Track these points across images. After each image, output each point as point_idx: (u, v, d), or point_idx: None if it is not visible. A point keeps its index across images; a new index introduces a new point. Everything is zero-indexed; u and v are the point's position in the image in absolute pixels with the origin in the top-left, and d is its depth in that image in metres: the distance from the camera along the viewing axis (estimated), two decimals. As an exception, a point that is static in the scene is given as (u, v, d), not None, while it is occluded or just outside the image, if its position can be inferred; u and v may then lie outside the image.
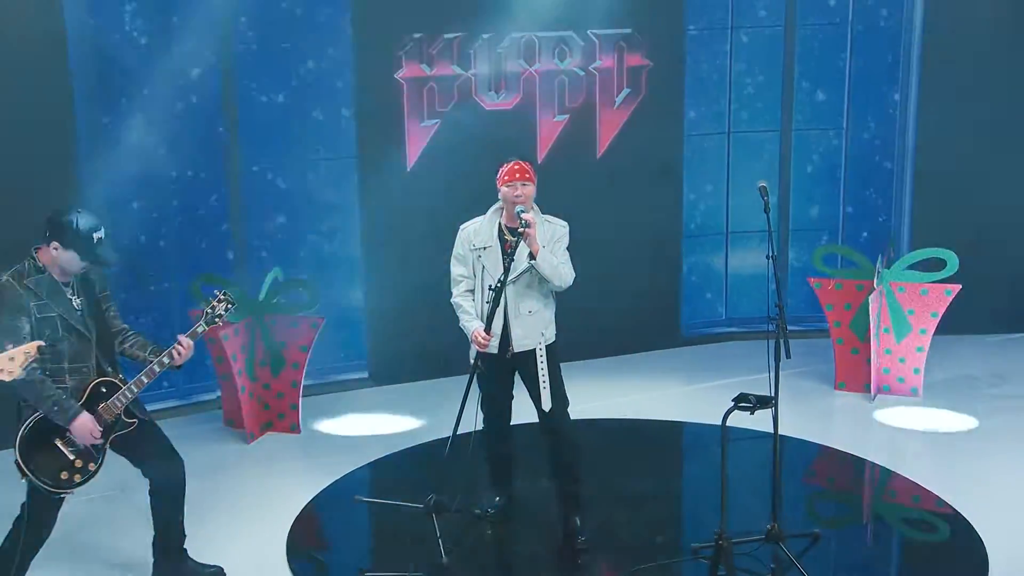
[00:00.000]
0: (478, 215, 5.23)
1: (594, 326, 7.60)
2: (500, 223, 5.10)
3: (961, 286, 6.87)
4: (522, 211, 4.90)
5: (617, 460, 6.22)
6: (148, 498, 4.77)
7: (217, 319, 4.68)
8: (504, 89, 7.79)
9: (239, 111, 7.31)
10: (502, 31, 7.69)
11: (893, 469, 6.10)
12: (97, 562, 5.18)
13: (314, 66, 7.50)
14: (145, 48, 6.96)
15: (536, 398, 5.08)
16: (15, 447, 4.41)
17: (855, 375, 7.24)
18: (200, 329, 4.63)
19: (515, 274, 4.93)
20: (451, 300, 5.14)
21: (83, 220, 4.41)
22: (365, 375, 7.83)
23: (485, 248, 5.05)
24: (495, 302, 4.87)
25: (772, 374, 4.79)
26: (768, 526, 4.91)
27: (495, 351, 4.98)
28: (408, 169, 7.66)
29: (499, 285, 4.86)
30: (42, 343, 3.80)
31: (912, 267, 7.08)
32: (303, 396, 6.89)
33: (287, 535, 5.43)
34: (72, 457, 4.47)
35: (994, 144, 8.19)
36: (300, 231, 7.62)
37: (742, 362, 8.03)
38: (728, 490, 5.77)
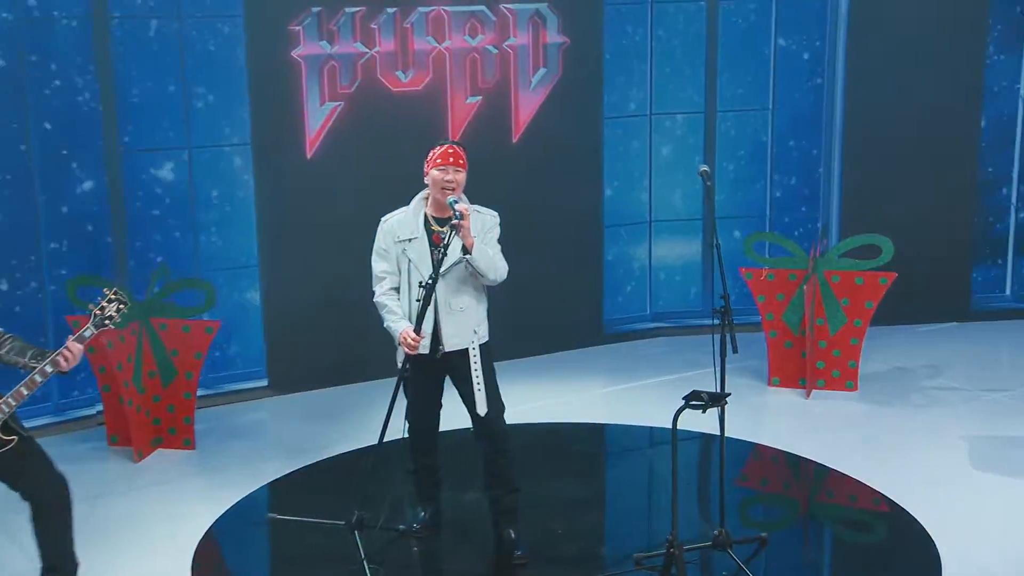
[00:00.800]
0: (385, 205, 5.22)
1: (509, 324, 7.61)
2: (426, 213, 5.11)
3: (897, 274, 7.15)
4: (455, 202, 4.92)
5: (544, 467, 6.29)
6: (30, 525, 4.63)
7: (107, 321, 4.58)
8: (412, 68, 7.78)
9: (116, 88, 7.15)
10: (408, 5, 7.70)
11: (832, 467, 6.30)
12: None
13: (202, 43, 7.37)
14: (12, 22, 6.75)
15: (470, 402, 5.10)
16: None
17: (789, 370, 7.47)
18: (88, 333, 4.52)
19: (446, 267, 4.95)
20: (374, 299, 5.12)
21: None
22: (264, 383, 7.75)
23: (411, 240, 5.05)
24: (426, 300, 4.87)
25: (718, 370, 4.89)
26: (715, 532, 5.04)
27: (425, 351, 4.99)
28: (308, 156, 7.60)
29: (430, 281, 4.86)
30: None
31: (845, 255, 7.33)
32: (196, 408, 6.78)
33: (191, 562, 5.34)
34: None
35: (924, 126, 8.55)
36: (189, 224, 7.49)
37: (669, 359, 8.24)
38: (665, 494, 5.96)
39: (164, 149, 7.36)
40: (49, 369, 4.40)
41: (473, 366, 5.07)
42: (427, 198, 5.14)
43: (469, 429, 5.23)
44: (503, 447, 5.17)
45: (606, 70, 8.45)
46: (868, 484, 6.04)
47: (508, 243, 5.17)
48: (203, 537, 5.58)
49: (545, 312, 8.22)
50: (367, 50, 7.66)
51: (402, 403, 5.14)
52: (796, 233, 8.69)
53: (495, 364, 5.19)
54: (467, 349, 5.07)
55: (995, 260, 9.08)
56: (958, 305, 8.86)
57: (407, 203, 5.19)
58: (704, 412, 4.53)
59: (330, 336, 7.68)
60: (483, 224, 5.08)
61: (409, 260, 5.05)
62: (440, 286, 4.95)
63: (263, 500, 6.08)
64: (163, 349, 6.62)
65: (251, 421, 7.27)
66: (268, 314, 7.68)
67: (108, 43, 7.09)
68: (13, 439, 4.48)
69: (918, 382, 7.62)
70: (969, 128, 8.67)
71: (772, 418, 7.15)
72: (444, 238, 5.01)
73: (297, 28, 7.48)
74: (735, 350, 4.85)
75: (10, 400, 4.40)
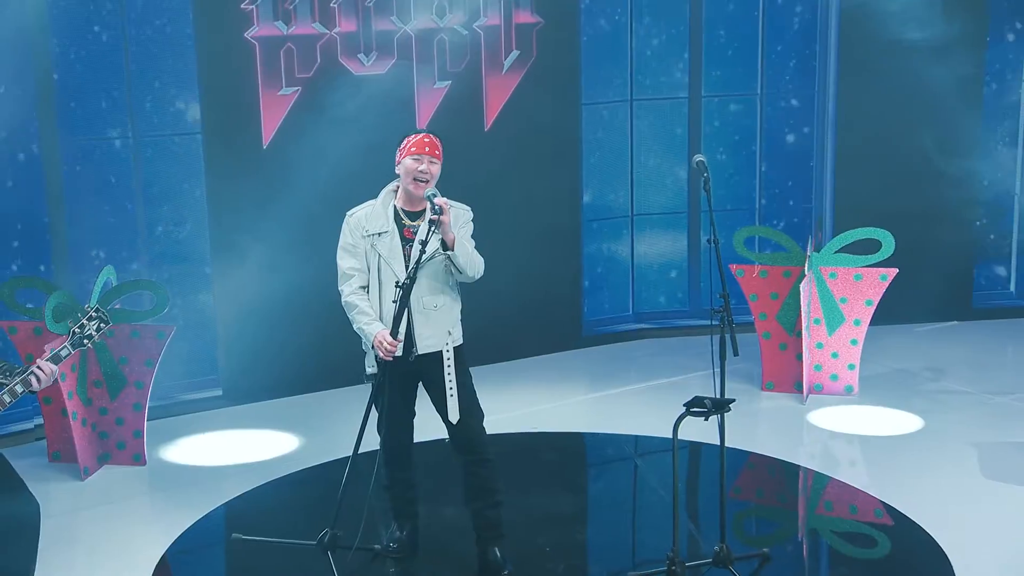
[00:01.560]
0: (348, 198, 5.22)
1: (481, 327, 7.64)
2: (395, 206, 5.12)
3: (898, 270, 7.25)
4: (434, 195, 4.93)
5: (525, 479, 6.32)
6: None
7: (87, 341, 4.52)
8: (375, 51, 7.78)
9: (56, 72, 7.10)
10: (371, -18, 7.72)
11: (832, 476, 6.39)
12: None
13: (147, 24, 7.33)
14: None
15: (443, 409, 5.12)
16: None
17: (784, 373, 7.56)
18: (65, 352, 4.47)
19: (422, 262, 4.95)
20: (342, 299, 5.12)
21: None
22: (218, 392, 7.72)
23: (380, 235, 5.06)
24: (403, 300, 4.88)
25: (717, 374, 4.94)
26: (716, 548, 5.09)
27: (399, 354, 5.00)
28: (264, 146, 7.58)
29: (408, 281, 4.88)
30: None
31: (842, 250, 7.42)
32: (147, 420, 6.74)
33: (148, 588, 5.33)
34: None
35: (921, 113, 8.68)
36: (135, 221, 7.45)
37: (654, 363, 8.31)
38: (655, 507, 6.01)
39: (106, 138, 7.32)
40: (19, 389, 4.34)
41: (447, 370, 5.09)
42: (396, 190, 5.15)
43: (445, 439, 5.24)
44: (483, 455, 5.19)
45: (583, 52, 8.49)
46: (870, 494, 6.13)
47: (479, 239, 5.19)
48: (158, 563, 5.54)
49: (519, 313, 8.25)
50: (326, 31, 7.65)
51: (372, 413, 5.14)
52: (783, 226, 8.78)
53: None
54: (441, 352, 5.09)
55: (999, 255, 9.22)
56: (960, 303, 9.00)
57: (372, 197, 5.19)
58: (707, 420, 4.57)
59: (289, 341, 7.66)
60: (457, 218, 5.10)
61: (379, 256, 5.06)
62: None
63: (223, 520, 6.05)
64: (110, 357, 6.57)
65: (204, 433, 7.23)
66: (221, 317, 7.65)
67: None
68: None
69: (921, 385, 7.73)
70: (970, 113, 8.80)
71: (766, 425, 7.22)
72: (415, 232, 5.03)
73: (250, 7, 7.46)
74: (736, 352, 4.91)
75: None
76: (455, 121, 7.96)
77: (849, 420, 7.17)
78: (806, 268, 7.29)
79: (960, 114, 8.78)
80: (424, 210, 5.05)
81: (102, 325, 4.51)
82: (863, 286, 7.33)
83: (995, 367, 8.09)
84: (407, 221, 5.10)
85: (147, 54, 7.36)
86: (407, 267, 4.99)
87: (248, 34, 7.47)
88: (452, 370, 5.09)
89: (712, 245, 5.00)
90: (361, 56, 7.77)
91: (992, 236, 9.16)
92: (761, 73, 8.85)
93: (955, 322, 8.98)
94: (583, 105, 8.56)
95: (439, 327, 5.09)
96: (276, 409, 7.60)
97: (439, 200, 4.92)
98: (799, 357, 7.42)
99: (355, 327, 5.10)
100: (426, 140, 5.06)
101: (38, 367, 4.35)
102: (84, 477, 6.52)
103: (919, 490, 6.12)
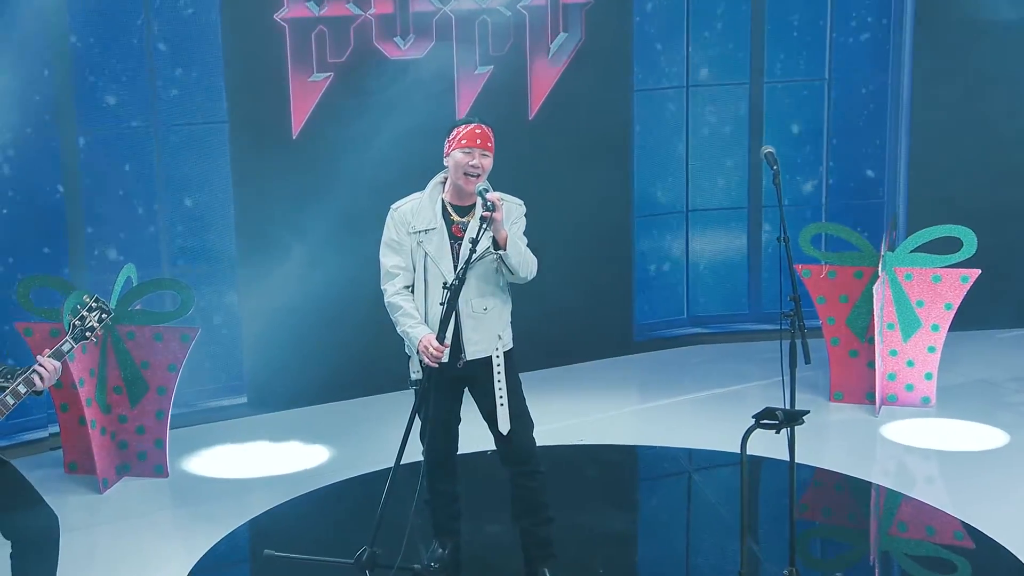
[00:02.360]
0: (383, 192, 5.25)
1: (526, 330, 7.68)
2: (443, 200, 5.17)
3: (980, 271, 7.22)
4: (485, 190, 4.96)
5: (575, 494, 6.35)
6: (9, 562, 4.67)
7: (88, 334, 4.62)
8: (412, 33, 7.83)
9: (75, 58, 7.19)
10: (409, -40, 7.78)
11: (906, 494, 6.37)
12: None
13: (170, 5, 7.42)
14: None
15: (492, 419, 5.16)
16: None
17: (855, 383, 7.53)
18: (67, 347, 4.56)
19: (472, 262, 4.99)
20: (385, 300, 5.16)
21: None
22: (243, 400, 7.80)
23: (428, 231, 5.10)
24: (451, 302, 4.92)
25: (787, 383, 4.94)
26: (784, 572, 5.09)
27: (444, 360, 5.04)
28: (294, 137, 7.65)
29: (456, 282, 4.91)
30: None
31: (917, 249, 7.38)
32: (170, 429, 6.81)
33: (174, 609, 5.41)
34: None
35: (1007, 99, 8.64)
36: (157, 218, 7.54)
37: (709, 371, 8.32)
38: (713, 526, 6.02)
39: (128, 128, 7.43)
40: (22, 389, 4.44)
41: (496, 378, 5.12)
42: (444, 182, 5.19)
43: (488, 451, 5.27)
44: (533, 468, 5.22)
45: (636, 34, 8.50)
46: (950, 513, 6.11)
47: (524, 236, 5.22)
48: (186, 580, 5.62)
49: (565, 316, 8.27)
50: (361, 12, 7.71)
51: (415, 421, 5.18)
52: (853, 222, 8.73)
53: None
54: (490, 358, 5.13)
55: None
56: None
57: (407, 190, 5.23)
58: (777, 432, 4.58)
59: (320, 344, 7.71)
60: (509, 214, 5.12)
61: (426, 255, 5.10)
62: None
63: (250, 537, 6.11)
64: (131, 361, 6.64)
65: (229, 444, 7.30)
66: (247, 320, 7.71)
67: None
68: None
69: (1005, 397, 7.70)
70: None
71: (835, 439, 7.21)
72: (464, 229, 5.06)
73: (280, -13, 7.56)
74: (807, 360, 4.91)
75: None
76: (498, 109, 7.94)
77: (926, 434, 7.15)
78: (879, 268, 7.26)
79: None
80: (474, 204, 5.08)
81: (103, 316, 4.59)
82: (942, 288, 7.31)
83: (1087, 377, 8.05)
84: (455, 217, 5.13)
85: (170, 38, 7.44)
86: (455, 267, 5.03)
87: (277, 15, 7.54)
88: (503, 378, 5.12)
89: (782, 244, 4.99)
90: (397, 39, 7.82)
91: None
92: (829, 56, 8.84)
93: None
94: (635, 91, 8.58)
95: (489, 331, 5.12)
96: (306, 418, 7.65)
97: (492, 195, 4.94)
98: (871, 365, 7.40)
99: (399, 330, 5.13)
100: (477, 131, 5.08)
101: (40, 365, 4.43)
102: (102, 490, 6.59)
103: (1003, 510, 6.09)
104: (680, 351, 8.82)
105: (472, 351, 5.11)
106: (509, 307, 5.23)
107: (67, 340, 4.58)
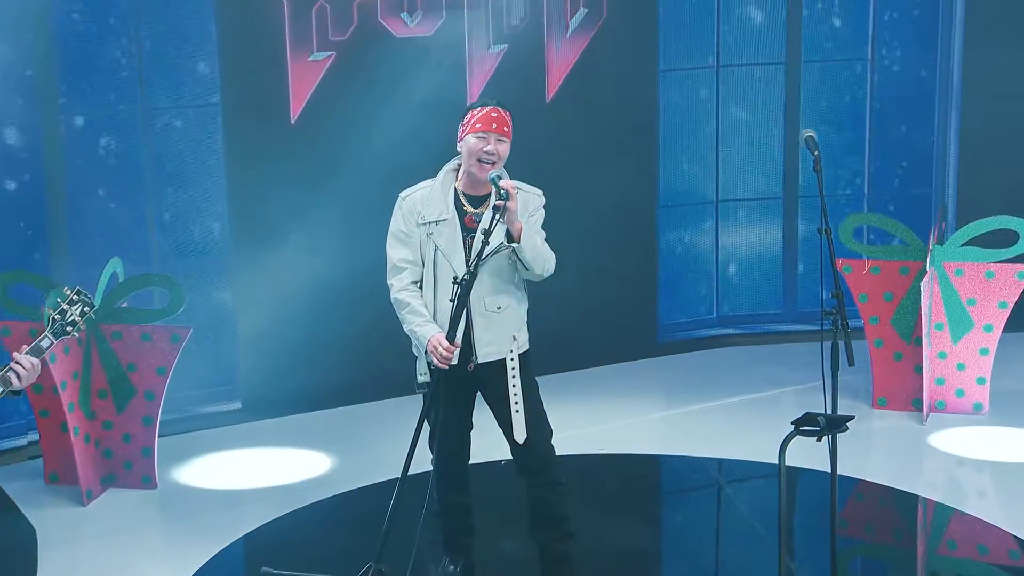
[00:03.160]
0: (387, 180, 5.25)
1: (542, 331, 7.68)
2: (456, 189, 5.16)
3: (1038, 266, 7.22)
4: (499, 177, 4.95)
5: (595, 508, 6.34)
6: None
7: (70, 328, 4.61)
8: (420, 9, 7.84)
9: (57, 34, 7.21)
10: (415, -71, 7.79)
11: (956, 508, 6.35)
12: None
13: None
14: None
15: (508, 425, 5.15)
16: None
17: (900, 387, 7.52)
18: (46, 343, 4.55)
19: (485, 256, 4.98)
20: (391, 296, 5.16)
21: None
22: (237, 405, 7.82)
23: (438, 223, 5.10)
24: (461, 299, 4.91)
25: (829, 386, 4.92)
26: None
27: (454, 362, 5.04)
28: (292, 121, 7.66)
29: (467, 277, 4.90)
30: None
31: (969, 243, 7.37)
32: (159, 437, 6.82)
33: (165, 631, 5.43)
34: None
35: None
36: (145, 209, 7.55)
37: (740, 374, 8.32)
38: (746, 542, 6.01)
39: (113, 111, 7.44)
40: None
41: (511, 381, 5.11)
42: (457, 169, 5.19)
43: (502, 461, 5.27)
44: (552, 478, 5.21)
45: (662, 10, 8.50)
46: (1004, 529, 6.08)
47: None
48: (172, 601, 5.66)
49: (584, 315, 8.29)
50: (364, -14, 7.74)
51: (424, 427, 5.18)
52: (898, 214, 8.71)
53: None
54: (504, 360, 5.12)
55: None
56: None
57: (416, 178, 5.22)
58: (819, 440, 4.57)
59: (320, 346, 7.74)
60: (526, 205, 5.12)
61: (436, 248, 5.09)
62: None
63: (244, 553, 6.12)
64: (117, 363, 6.66)
65: (224, 453, 7.32)
66: (241, 319, 7.73)
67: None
68: None
69: (1063, 403, 7.69)
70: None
71: (879, 448, 7.21)
72: (478, 221, 5.06)
73: (277, -41, 7.56)
74: (851, 362, 4.89)
75: None
76: (512, 91, 7.86)
77: (978, 444, 7.13)
78: (927, 264, 7.25)
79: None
80: (489, 194, 5.07)
81: (86, 309, 4.57)
82: (995, 285, 7.29)
83: None
84: (469, 208, 5.12)
85: (160, 15, 7.45)
86: (468, 262, 5.02)
87: (274, -10, 7.57)
88: (518, 382, 5.11)
89: (824, 236, 4.98)
90: (404, 15, 7.83)
91: None
92: (872, 35, 8.82)
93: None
94: (661, 72, 8.58)
95: (502, 332, 5.11)
96: (305, 424, 7.66)
97: (505, 183, 4.94)
98: (918, 369, 7.39)
99: (406, 328, 5.13)
100: (493, 115, 5.07)
101: (16, 363, 4.42)
102: (86, 502, 6.60)
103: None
104: (708, 353, 8.83)
105: (484, 353, 5.10)
106: (525, 306, 5.23)
107: (47, 336, 4.57)
